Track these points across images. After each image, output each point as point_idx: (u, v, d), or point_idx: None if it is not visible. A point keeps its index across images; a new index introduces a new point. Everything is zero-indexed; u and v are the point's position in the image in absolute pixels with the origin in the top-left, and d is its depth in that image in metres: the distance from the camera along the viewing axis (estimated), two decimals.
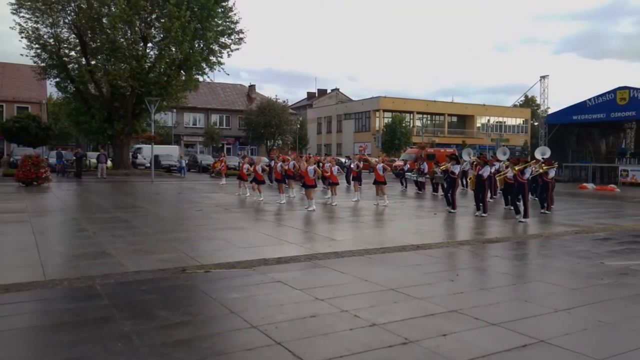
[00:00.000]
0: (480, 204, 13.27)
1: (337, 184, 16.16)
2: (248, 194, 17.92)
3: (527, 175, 12.42)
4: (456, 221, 12.38)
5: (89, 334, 4.23)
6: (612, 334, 4.56)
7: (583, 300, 5.52)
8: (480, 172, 13.41)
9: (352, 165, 19.09)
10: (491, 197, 17.62)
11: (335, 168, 16.36)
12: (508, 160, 14.37)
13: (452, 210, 13.72)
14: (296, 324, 4.58)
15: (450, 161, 14.64)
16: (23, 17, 29.48)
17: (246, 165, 18.85)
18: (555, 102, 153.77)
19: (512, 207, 13.35)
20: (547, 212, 14.21)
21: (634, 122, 33.95)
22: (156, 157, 32.48)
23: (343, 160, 30.94)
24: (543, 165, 14.75)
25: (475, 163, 14.62)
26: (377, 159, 21.68)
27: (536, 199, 16.20)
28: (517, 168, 12.60)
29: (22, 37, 29.78)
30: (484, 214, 13.01)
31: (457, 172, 14.48)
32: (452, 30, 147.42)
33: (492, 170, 14.95)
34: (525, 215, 12.15)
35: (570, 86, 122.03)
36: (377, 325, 4.54)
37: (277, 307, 5.05)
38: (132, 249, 7.96)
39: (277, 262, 7.08)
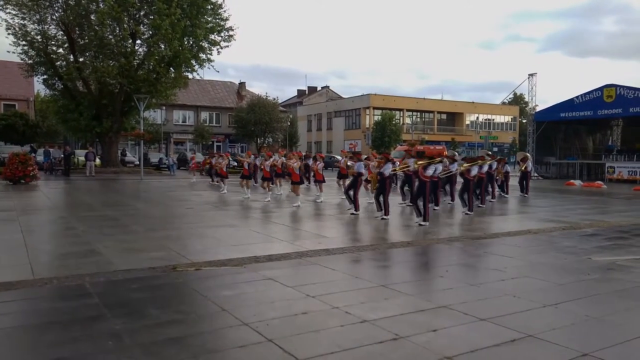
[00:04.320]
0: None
1: (324, 181, 16.19)
2: (225, 191, 18.12)
3: (430, 172, 11.01)
4: (445, 218, 12.44)
5: (79, 333, 4.21)
6: (599, 328, 4.63)
7: (570, 296, 5.59)
8: (381, 170, 11.72)
9: (340, 163, 19.07)
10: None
11: (321, 165, 16.36)
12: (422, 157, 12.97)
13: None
14: (287, 320, 4.60)
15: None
16: (9, 13, 29.15)
17: (220, 160, 20.34)
18: (542, 99, 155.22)
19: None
20: (469, 212, 12.69)
21: (621, 119, 34.31)
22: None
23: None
24: (463, 162, 13.88)
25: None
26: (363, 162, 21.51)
27: (492, 200, 16.23)
28: (419, 163, 11.18)
29: (8, 34, 29.47)
30: (385, 217, 11.61)
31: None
32: (439, 28, 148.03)
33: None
34: (425, 219, 10.78)
35: (556, 84, 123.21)
36: (368, 322, 4.57)
37: (268, 304, 5.06)
38: (121, 247, 7.92)
39: (268, 260, 7.09)
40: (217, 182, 22.50)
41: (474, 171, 13.35)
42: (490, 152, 28.01)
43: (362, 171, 12.88)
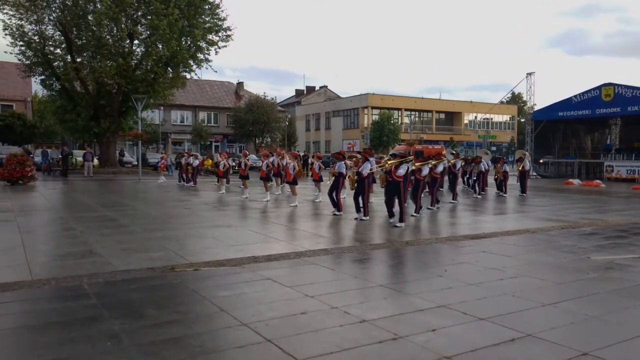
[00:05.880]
0: (362, 206, 11.44)
1: (321, 180, 16.17)
2: (223, 191, 18.11)
3: (402, 171, 10.72)
4: (443, 218, 12.44)
5: (77, 333, 4.19)
6: (599, 327, 4.62)
7: (570, 295, 5.59)
8: (360, 170, 11.40)
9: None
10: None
11: (318, 165, 16.33)
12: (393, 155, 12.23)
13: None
14: (286, 321, 4.59)
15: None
16: (7, 13, 29.16)
17: (195, 161, 21.92)
18: (540, 98, 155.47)
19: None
20: (415, 214, 12.17)
21: (619, 118, 34.38)
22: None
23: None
24: (415, 162, 13.06)
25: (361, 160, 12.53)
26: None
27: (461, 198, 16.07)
28: (389, 163, 10.90)
29: (6, 34, 29.48)
30: (364, 218, 11.39)
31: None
32: (437, 27, 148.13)
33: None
34: (401, 220, 10.52)
35: (554, 83, 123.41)
36: (367, 321, 4.56)
37: (267, 304, 5.04)
38: (120, 248, 7.90)
39: (267, 260, 7.07)
40: (186, 183, 22.32)
41: (425, 171, 12.89)
42: (488, 152, 28.01)
43: (343, 171, 12.77)
